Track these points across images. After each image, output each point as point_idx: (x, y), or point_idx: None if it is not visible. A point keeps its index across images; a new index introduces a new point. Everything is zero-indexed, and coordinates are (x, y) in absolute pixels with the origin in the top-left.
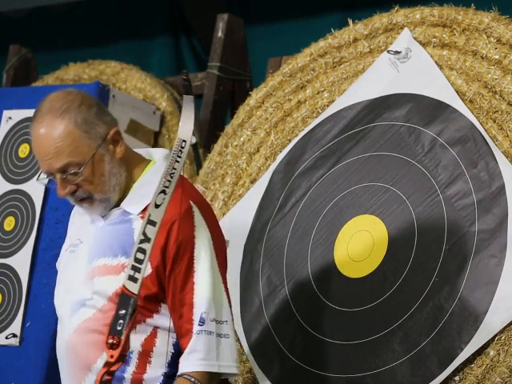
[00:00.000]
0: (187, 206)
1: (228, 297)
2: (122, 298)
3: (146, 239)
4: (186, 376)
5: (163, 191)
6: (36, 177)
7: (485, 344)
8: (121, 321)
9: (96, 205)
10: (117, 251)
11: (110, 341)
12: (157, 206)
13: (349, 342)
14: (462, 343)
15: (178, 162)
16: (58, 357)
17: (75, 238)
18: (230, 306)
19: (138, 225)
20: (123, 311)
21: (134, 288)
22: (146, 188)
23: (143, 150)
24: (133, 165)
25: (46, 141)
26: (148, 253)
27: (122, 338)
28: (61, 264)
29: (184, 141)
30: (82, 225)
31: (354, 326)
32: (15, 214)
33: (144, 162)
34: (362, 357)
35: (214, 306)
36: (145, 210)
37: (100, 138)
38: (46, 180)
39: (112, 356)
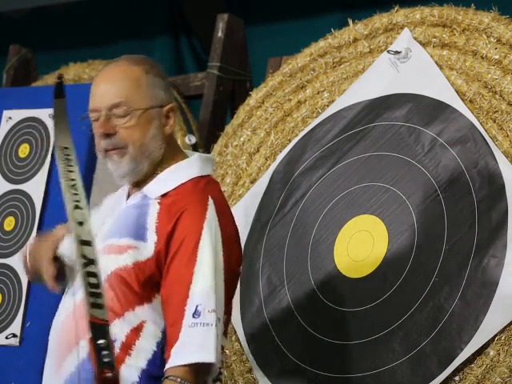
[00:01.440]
0: (203, 198)
1: (228, 297)
2: (95, 328)
3: (90, 261)
4: (171, 378)
5: (77, 207)
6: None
7: (485, 344)
8: (104, 352)
9: (126, 160)
10: (125, 232)
11: (102, 376)
12: (81, 224)
13: (349, 342)
14: (461, 343)
15: (71, 171)
16: (49, 337)
17: (101, 222)
18: (229, 309)
19: (153, 209)
20: (102, 341)
21: (102, 314)
22: (169, 178)
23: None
24: (170, 151)
25: (112, 74)
26: (100, 274)
27: (116, 368)
28: None
29: (65, 147)
30: (110, 208)
31: (354, 325)
32: (15, 214)
33: (181, 155)
34: (361, 357)
35: (213, 299)
36: (163, 195)
37: (159, 102)
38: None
39: None
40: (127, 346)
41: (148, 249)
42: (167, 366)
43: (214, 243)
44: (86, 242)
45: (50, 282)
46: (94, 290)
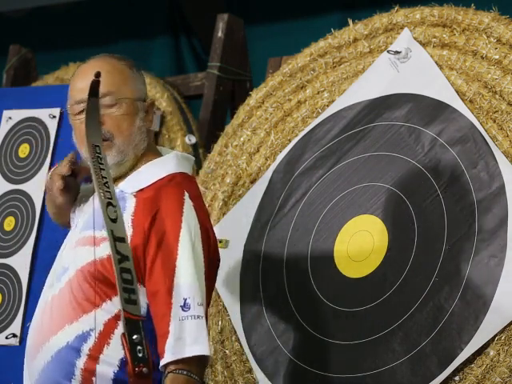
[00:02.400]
0: (179, 193)
1: (209, 288)
2: (129, 323)
3: (124, 257)
4: (177, 371)
5: (110, 204)
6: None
7: (485, 344)
8: (139, 347)
9: (112, 152)
10: (100, 225)
11: (138, 370)
12: (114, 221)
13: (349, 342)
14: (462, 343)
15: (103, 169)
16: (29, 330)
17: (77, 217)
18: (209, 299)
19: (129, 203)
20: (136, 336)
21: (137, 310)
22: (145, 173)
23: (163, 149)
24: (148, 148)
25: (99, 66)
26: (133, 270)
27: (149, 363)
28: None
29: (97, 146)
30: (83, 203)
31: (354, 325)
32: (15, 214)
33: (157, 153)
34: (362, 357)
35: (199, 291)
36: (139, 190)
37: (142, 95)
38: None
39: None
40: (106, 335)
41: None
42: (165, 361)
43: (192, 236)
44: (119, 239)
45: (57, 194)
46: (128, 286)
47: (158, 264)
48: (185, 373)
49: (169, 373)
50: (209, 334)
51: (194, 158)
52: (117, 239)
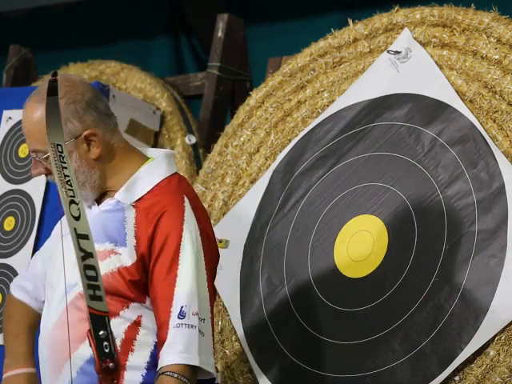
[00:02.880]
0: (179, 199)
1: (212, 295)
2: (94, 319)
3: (88, 254)
4: (168, 373)
5: (73, 201)
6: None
7: (485, 344)
8: (105, 342)
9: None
10: (104, 238)
11: (104, 366)
12: (77, 219)
13: (349, 342)
14: (462, 343)
15: (65, 168)
16: (39, 344)
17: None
18: (212, 306)
19: (129, 214)
20: (103, 332)
21: (102, 306)
22: (139, 182)
23: (142, 150)
24: (127, 161)
25: (25, 122)
26: (98, 267)
27: (116, 358)
28: (55, 250)
29: (58, 144)
30: None
31: (354, 325)
32: (15, 214)
33: (142, 158)
34: (362, 357)
35: (196, 300)
36: (137, 200)
37: (70, 135)
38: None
39: (114, 379)
40: (128, 342)
41: (130, 254)
42: (159, 366)
43: (194, 243)
44: (83, 236)
45: None
46: (92, 283)
47: (160, 272)
48: (175, 376)
49: (160, 374)
50: (213, 347)
51: (175, 153)
52: (80, 236)
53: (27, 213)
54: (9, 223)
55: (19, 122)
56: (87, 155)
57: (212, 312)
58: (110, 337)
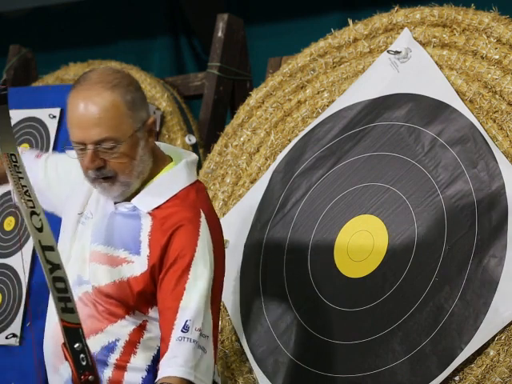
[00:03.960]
0: (196, 213)
1: (218, 311)
2: (69, 332)
3: (55, 266)
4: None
5: (34, 213)
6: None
7: (485, 344)
8: (81, 355)
9: (116, 187)
10: (119, 244)
11: (84, 379)
12: (40, 230)
13: (349, 342)
14: (462, 343)
15: (22, 178)
16: (45, 337)
17: (89, 210)
18: (218, 324)
19: (146, 222)
20: (78, 344)
21: (74, 318)
22: (159, 189)
23: (162, 145)
24: (155, 161)
25: (91, 109)
26: (66, 278)
27: (95, 371)
28: (68, 225)
29: (12, 154)
30: (97, 201)
31: (354, 326)
32: (15, 214)
33: (165, 160)
34: (362, 357)
35: (201, 317)
36: (155, 208)
37: (141, 122)
38: (75, 155)
39: None
40: (132, 344)
41: (142, 263)
42: (158, 377)
43: (207, 261)
44: (48, 248)
45: None
46: (62, 295)
47: (168, 284)
48: None
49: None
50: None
51: (197, 157)
52: (45, 248)
53: None
54: (9, 223)
55: (19, 122)
56: (147, 144)
57: (217, 328)
58: (85, 349)
